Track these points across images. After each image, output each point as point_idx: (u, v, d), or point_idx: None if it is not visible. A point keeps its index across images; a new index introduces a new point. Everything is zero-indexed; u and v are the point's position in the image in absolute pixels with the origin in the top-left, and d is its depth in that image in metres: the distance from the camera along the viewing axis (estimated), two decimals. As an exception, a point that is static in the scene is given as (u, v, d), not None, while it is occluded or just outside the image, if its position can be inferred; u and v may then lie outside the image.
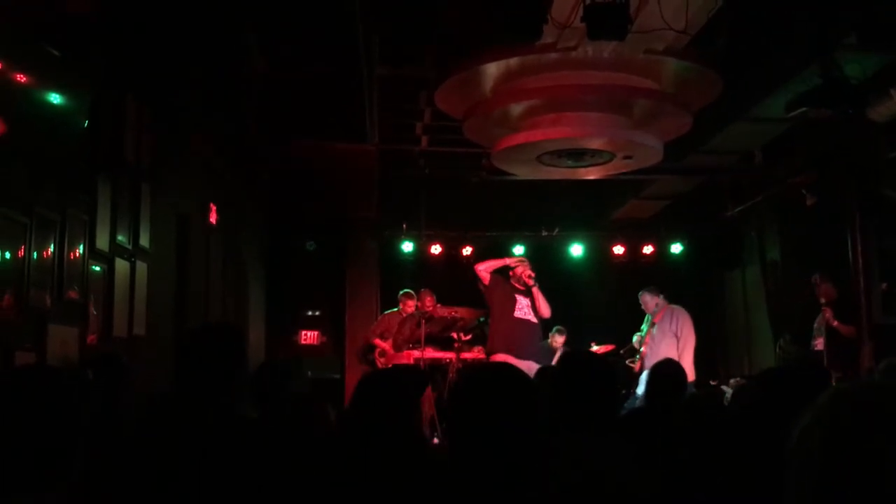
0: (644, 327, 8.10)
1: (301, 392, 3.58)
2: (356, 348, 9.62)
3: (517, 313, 7.29)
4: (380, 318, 9.27)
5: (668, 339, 7.71)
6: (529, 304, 7.32)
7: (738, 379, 7.22)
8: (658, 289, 8.11)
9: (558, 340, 9.41)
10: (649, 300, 8.01)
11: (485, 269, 7.41)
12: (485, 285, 7.42)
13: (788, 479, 1.00)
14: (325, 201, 9.81)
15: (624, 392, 7.90)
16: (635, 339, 8.47)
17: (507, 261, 7.60)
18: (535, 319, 7.34)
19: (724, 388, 7.90)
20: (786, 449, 1.03)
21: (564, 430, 2.38)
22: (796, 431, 1.02)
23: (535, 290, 7.30)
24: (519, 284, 7.37)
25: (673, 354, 7.20)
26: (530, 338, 7.30)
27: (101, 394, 3.13)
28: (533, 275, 7.33)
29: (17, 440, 1.60)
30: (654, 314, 7.94)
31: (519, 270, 7.40)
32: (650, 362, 7.73)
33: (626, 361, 8.64)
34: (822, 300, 7.33)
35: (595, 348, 9.05)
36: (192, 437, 2.12)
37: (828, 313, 7.23)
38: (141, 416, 2.56)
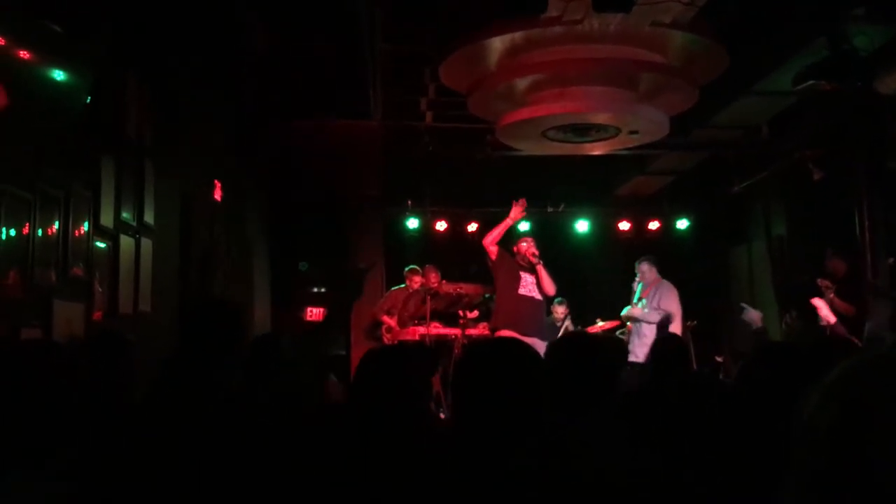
0: (635, 300, 8.10)
1: (291, 363, 3.57)
2: (362, 325, 9.64)
3: (521, 290, 7.29)
4: (387, 294, 9.29)
5: (652, 313, 7.73)
6: (534, 280, 7.31)
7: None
8: (656, 260, 8.10)
9: (559, 311, 9.40)
10: (647, 270, 8.02)
11: (492, 242, 7.36)
12: (492, 260, 7.40)
13: (797, 459, 0.97)
14: (329, 178, 9.78)
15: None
16: (625, 311, 8.42)
17: (509, 220, 7.45)
18: (539, 296, 7.35)
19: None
20: (793, 428, 0.99)
21: (562, 414, 2.37)
22: (805, 411, 0.98)
23: (540, 267, 7.29)
24: (523, 262, 7.36)
25: (653, 329, 7.26)
26: (534, 314, 7.31)
27: (103, 371, 3.13)
28: (537, 253, 7.31)
29: (12, 414, 1.59)
30: (645, 287, 7.95)
31: (524, 248, 7.38)
32: (634, 338, 7.79)
33: (617, 333, 8.65)
34: (824, 282, 7.31)
35: (600, 324, 9.05)
36: (191, 414, 2.12)
37: (825, 286, 7.22)
38: (142, 393, 2.57)
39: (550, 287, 7.35)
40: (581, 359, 2.51)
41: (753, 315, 7.10)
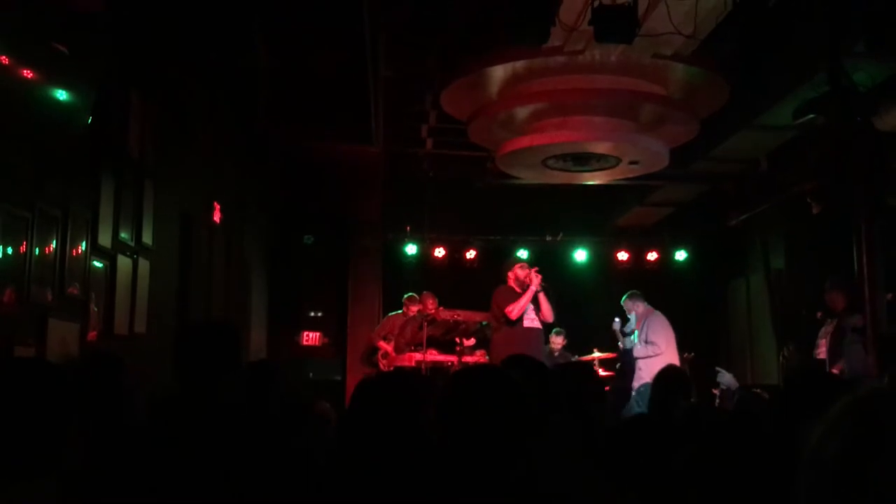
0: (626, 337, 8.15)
1: (294, 393, 3.55)
2: (358, 350, 9.60)
3: (526, 322, 7.19)
4: (384, 320, 9.26)
5: (641, 347, 7.75)
6: (533, 307, 7.25)
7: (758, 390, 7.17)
8: (640, 294, 8.11)
9: (557, 342, 9.37)
10: (631, 306, 8.04)
11: (516, 316, 7.16)
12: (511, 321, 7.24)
13: (800, 490, 0.97)
14: (329, 202, 9.80)
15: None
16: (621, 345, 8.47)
17: (533, 288, 7.18)
18: (539, 324, 7.29)
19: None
20: (797, 459, 0.99)
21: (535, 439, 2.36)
22: (810, 441, 0.98)
23: (542, 296, 7.22)
24: (521, 288, 7.26)
25: (650, 362, 7.25)
26: (537, 344, 7.21)
27: (97, 391, 3.10)
28: (541, 278, 7.21)
29: (4, 430, 1.58)
30: (637, 320, 7.96)
31: (522, 274, 7.26)
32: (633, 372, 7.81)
33: (617, 366, 8.65)
34: (820, 314, 7.35)
35: (597, 355, 9.00)
36: (188, 434, 2.10)
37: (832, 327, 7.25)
38: (138, 414, 2.55)
39: (550, 314, 7.29)
40: (543, 384, 2.50)
41: (728, 378, 7.18)
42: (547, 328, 7.90)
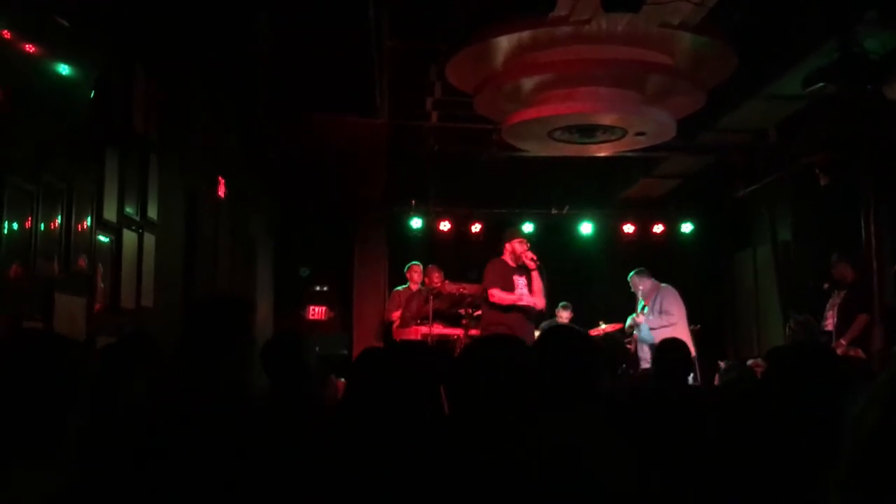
0: (640, 308, 8.21)
1: (311, 365, 3.52)
2: (364, 324, 9.63)
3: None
4: (391, 295, 9.27)
5: (655, 318, 7.84)
6: (526, 283, 7.00)
7: (755, 360, 7.14)
8: (647, 271, 8.20)
9: (564, 316, 9.36)
10: (638, 283, 8.12)
11: (499, 301, 6.98)
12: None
13: (843, 457, 0.99)
14: (333, 176, 9.76)
15: (621, 370, 8.02)
16: (629, 321, 8.54)
17: (520, 299, 6.95)
18: (530, 301, 7.07)
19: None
20: (840, 429, 1.02)
21: (543, 406, 2.35)
22: (853, 412, 1.01)
23: (535, 274, 6.96)
24: (516, 262, 7.05)
25: (664, 332, 7.27)
26: (525, 324, 6.96)
27: (126, 370, 3.10)
28: (535, 257, 6.97)
29: (14, 405, 1.57)
30: (645, 296, 8.03)
31: (519, 249, 7.05)
32: (642, 345, 7.87)
33: (625, 341, 8.67)
34: (827, 285, 7.37)
35: (603, 327, 9.01)
36: (198, 408, 2.10)
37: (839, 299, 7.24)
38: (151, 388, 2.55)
39: (541, 300, 6.99)
40: (563, 352, 2.49)
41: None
42: (552, 302, 7.86)
